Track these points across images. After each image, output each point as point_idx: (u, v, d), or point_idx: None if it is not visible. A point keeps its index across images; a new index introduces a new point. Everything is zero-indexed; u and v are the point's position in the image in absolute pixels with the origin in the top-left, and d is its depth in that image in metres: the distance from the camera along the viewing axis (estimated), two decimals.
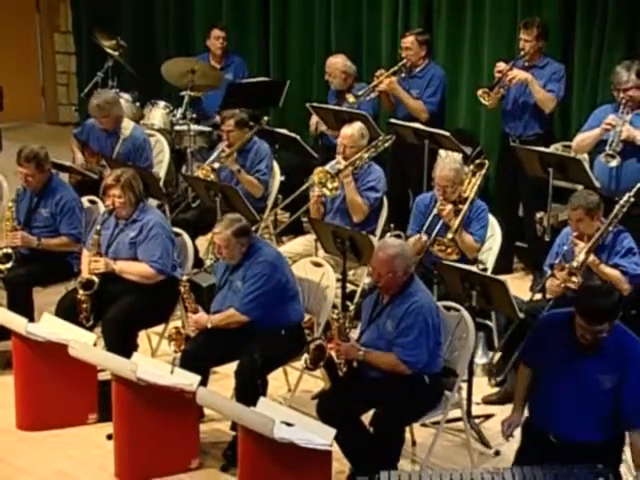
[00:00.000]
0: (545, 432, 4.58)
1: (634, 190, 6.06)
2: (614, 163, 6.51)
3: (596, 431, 4.50)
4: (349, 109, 7.79)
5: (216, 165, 7.31)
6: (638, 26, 7.68)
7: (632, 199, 5.98)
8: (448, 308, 5.49)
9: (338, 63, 8.19)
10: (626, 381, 4.44)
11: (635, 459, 4.49)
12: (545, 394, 4.61)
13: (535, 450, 4.61)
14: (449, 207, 6.36)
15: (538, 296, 6.07)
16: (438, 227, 6.37)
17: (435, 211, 6.41)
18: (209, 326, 5.66)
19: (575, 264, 5.69)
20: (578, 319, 4.46)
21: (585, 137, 6.80)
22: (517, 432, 4.81)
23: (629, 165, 6.61)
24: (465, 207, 6.37)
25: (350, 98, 7.82)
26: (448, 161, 6.51)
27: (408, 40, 7.92)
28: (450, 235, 6.31)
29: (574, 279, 5.72)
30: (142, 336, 6.28)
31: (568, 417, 4.51)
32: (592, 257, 5.73)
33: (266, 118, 7.78)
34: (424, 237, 6.35)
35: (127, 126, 7.69)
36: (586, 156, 6.99)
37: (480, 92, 7.43)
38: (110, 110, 7.56)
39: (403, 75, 7.89)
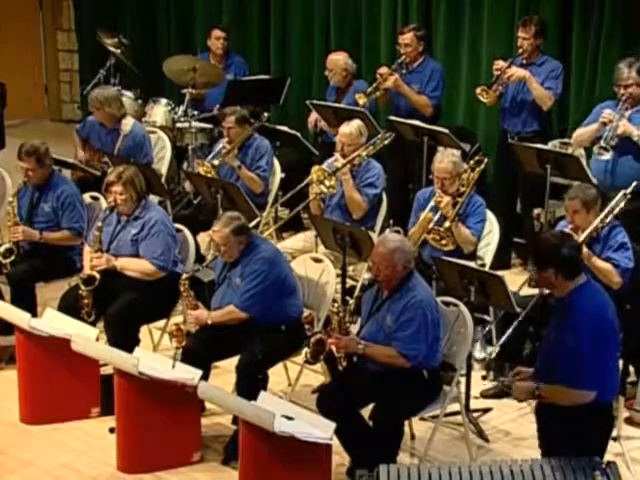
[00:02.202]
0: None
1: (631, 187, 6.11)
2: (607, 156, 6.56)
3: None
4: (348, 106, 7.83)
5: (216, 162, 7.36)
6: (634, 23, 7.73)
7: (629, 195, 6.04)
8: (447, 303, 5.54)
9: (340, 60, 8.23)
10: (568, 338, 4.42)
11: (550, 394, 4.50)
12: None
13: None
14: (447, 199, 6.41)
15: (536, 291, 6.12)
16: (436, 218, 6.42)
17: (432, 202, 6.47)
18: (209, 323, 5.70)
19: None
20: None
21: (583, 132, 6.86)
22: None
23: (624, 161, 6.66)
24: (462, 199, 6.43)
25: (360, 100, 7.83)
26: (447, 154, 6.57)
27: (407, 36, 7.96)
28: (447, 224, 6.37)
29: None
30: (144, 331, 6.32)
31: (543, 370, 4.56)
32: (585, 250, 5.78)
33: (266, 114, 7.83)
34: (430, 214, 6.39)
35: (127, 122, 7.73)
36: (583, 152, 7.04)
37: (479, 90, 7.48)
38: (104, 105, 7.60)
39: (404, 71, 7.95)
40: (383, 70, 7.92)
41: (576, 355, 4.39)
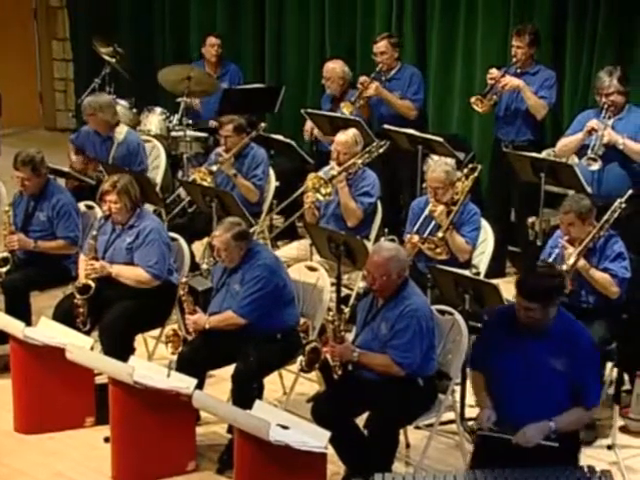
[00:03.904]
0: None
1: (625, 196, 6.13)
2: (596, 167, 6.61)
3: (551, 415, 4.51)
4: (344, 115, 7.85)
5: (214, 168, 7.37)
6: (628, 33, 7.76)
7: (624, 205, 6.06)
8: (442, 312, 5.54)
9: (337, 69, 8.26)
10: (575, 365, 4.51)
11: (567, 420, 4.54)
12: (498, 388, 4.64)
13: (491, 453, 4.62)
14: (441, 208, 6.43)
15: None
16: (430, 227, 6.44)
17: (427, 211, 6.48)
18: (207, 327, 5.70)
19: (565, 267, 5.75)
20: (516, 296, 4.60)
21: (568, 141, 6.90)
22: None
23: (611, 170, 6.71)
24: (456, 208, 6.44)
25: (345, 108, 7.89)
26: (439, 163, 6.60)
27: (381, 44, 8.06)
28: (440, 234, 6.38)
29: None
30: (139, 340, 6.32)
31: (522, 403, 4.54)
32: (582, 262, 5.79)
33: (263, 124, 7.85)
34: (415, 237, 6.42)
35: (121, 131, 7.74)
36: (577, 160, 7.07)
37: (473, 99, 7.50)
38: (97, 111, 7.61)
39: (383, 79, 8.00)
40: (364, 79, 8.00)
41: (595, 373, 4.55)
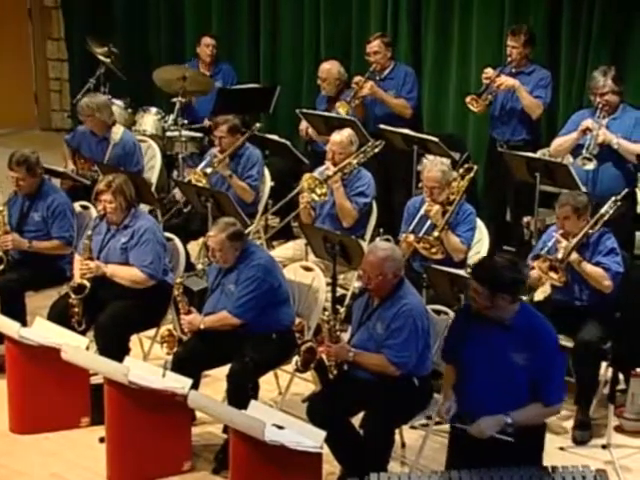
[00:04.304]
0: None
1: (621, 195, 6.15)
2: (591, 166, 6.63)
3: (510, 408, 4.46)
4: (339, 115, 7.85)
5: (208, 170, 7.37)
6: (623, 32, 7.77)
7: (619, 202, 6.07)
8: (437, 312, 5.55)
9: (333, 69, 8.27)
10: (536, 360, 4.44)
11: (524, 416, 4.48)
12: (463, 379, 4.63)
13: (462, 448, 4.62)
14: (436, 207, 6.44)
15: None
16: (425, 226, 6.44)
17: (422, 211, 6.49)
18: (202, 327, 5.70)
19: (559, 256, 5.77)
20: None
21: (563, 141, 6.92)
22: None
23: (605, 169, 6.72)
24: (452, 208, 6.45)
25: (341, 108, 7.89)
26: (435, 162, 6.60)
27: (374, 44, 8.08)
28: (436, 233, 6.38)
29: (553, 275, 5.80)
30: (134, 340, 6.31)
31: (484, 395, 4.51)
32: (575, 255, 5.81)
33: (258, 125, 7.85)
34: (411, 236, 6.42)
35: (117, 131, 7.75)
36: (571, 159, 7.08)
37: (468, 99, 7.51)
38: (95, 112, 7.62)
39: (377, 78, 8.01)
40: (358, 78, 8.01)
41: (557, 370, 4.45)
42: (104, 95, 8.80)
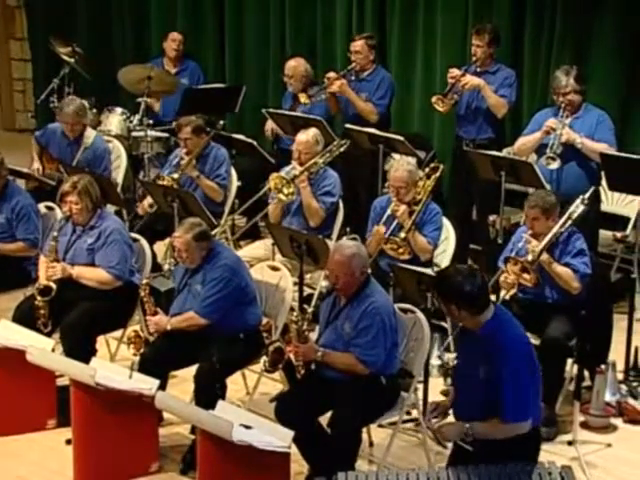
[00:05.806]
0: None
1: (588, 193, 6.19)
2: (555, 165, 6.68)
3: (474, 418, 4.46)
4: (304, 115, 7.85)
5: (176, 175, 7.35)
6: (586, 31, 7.83)
7: (586, 201, 6.12)
8: (404, 310, 5.56)
9: (299, 67, 8.25)
10: (494, 376, 4.37)
11: (482, 428, 4.44)
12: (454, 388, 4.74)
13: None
14: (403, 207, 6.46)
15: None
16: (392, 227, 6.46)
17: (389, 211, 6.50)
18: (169, 328, 5.69)
19: (530, 258, 5.80)
20: None
21: (526, 140, 6.97)
22: None
23: (569, 168, 6.78)
24: (419, 208, 6.47)
25: (302, 98, 7.90)
26: (402, 162, 6.62)
27: (358, 44, 8.03)
28: (403, 234, 6.41)
29: (526, 276, 5.84)
30: (101, 341, 6.29)
31: (458, 400, 4.60)
32: (545, 255, 5.85)
33: (222, 122, 7.82)
34: (382, 228, 6.44)
35: (89, 135, 7.74)
36: (535, 158, 7.13)
37: (434, 99, 7.53)
38: (82, 118, 7.65)
39: (353, 78, 8.01)
40: (331, 74, 7.99)
41: (513, 387, 4.33)
42: (68, 96, 8.74)
